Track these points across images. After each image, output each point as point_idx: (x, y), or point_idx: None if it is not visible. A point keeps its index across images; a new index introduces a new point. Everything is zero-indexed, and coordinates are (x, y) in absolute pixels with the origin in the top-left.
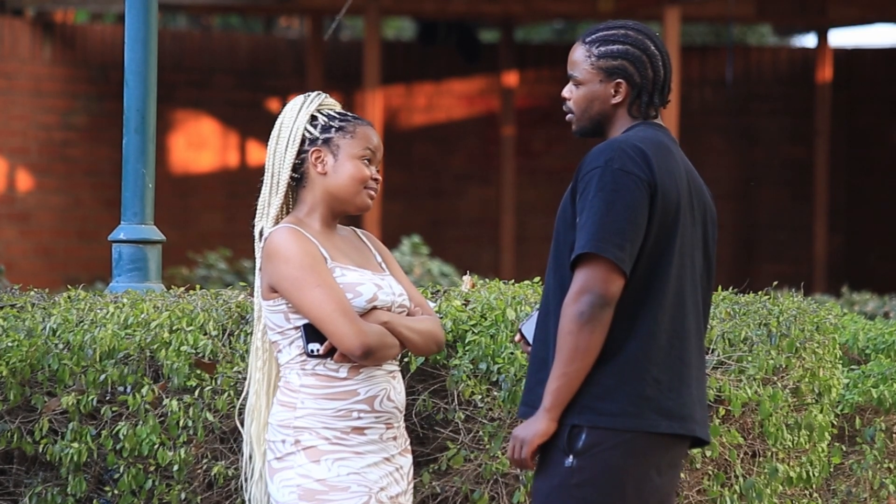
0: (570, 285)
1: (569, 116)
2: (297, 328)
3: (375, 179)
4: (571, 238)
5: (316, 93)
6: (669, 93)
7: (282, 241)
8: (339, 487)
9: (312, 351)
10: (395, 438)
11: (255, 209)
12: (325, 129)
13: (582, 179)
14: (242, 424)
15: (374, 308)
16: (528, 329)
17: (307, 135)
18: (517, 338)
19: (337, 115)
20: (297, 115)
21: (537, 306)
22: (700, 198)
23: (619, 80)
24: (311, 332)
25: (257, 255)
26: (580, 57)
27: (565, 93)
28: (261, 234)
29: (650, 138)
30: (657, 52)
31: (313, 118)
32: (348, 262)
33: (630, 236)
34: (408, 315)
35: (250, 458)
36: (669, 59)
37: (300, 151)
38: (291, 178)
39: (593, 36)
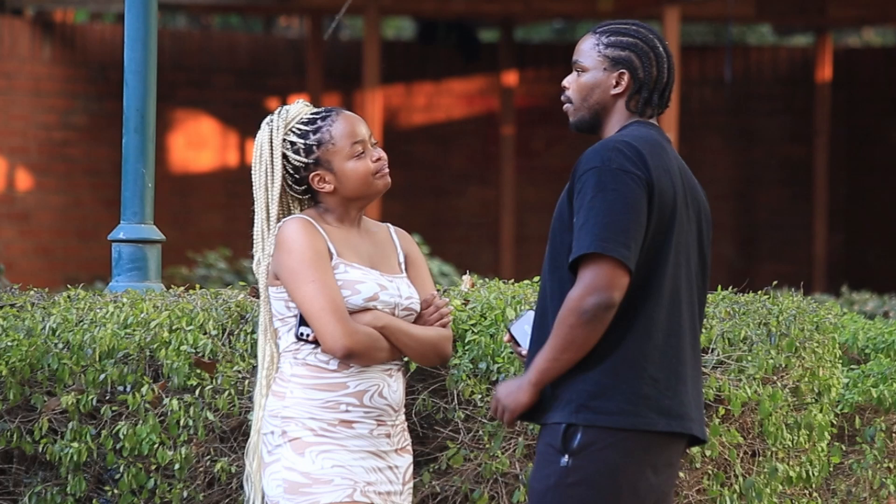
0: (575, 284)
1: (566, 107)
2: (295, 315)
3: (380, 160)
4: (569, 239)
5: (277, 112)
6: (669, 99)
7: (290, 231)
8: (322, 480)
9: (302, 334)
10: (387, 436)
11: (252, 238)
12: (308, 150)
13: (579, 180)
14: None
15: (374, 308)
16: (517, 329)
17: (297, 163)
18: (506, 338)
19: (308, 128)
20: (270, 146)
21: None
22: (694, 196)
23: (622, 71)
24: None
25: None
26: (588, 45)
27: (565, 82)
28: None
29: (644, 137)
30: (664, 55)
31: (292, 143)
32: (357, 259)
33: (634, 235)
34: (417, 317)
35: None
36: (674, 66)
37: (299, 180)
38: (301, 198)
39: (605, 27)
